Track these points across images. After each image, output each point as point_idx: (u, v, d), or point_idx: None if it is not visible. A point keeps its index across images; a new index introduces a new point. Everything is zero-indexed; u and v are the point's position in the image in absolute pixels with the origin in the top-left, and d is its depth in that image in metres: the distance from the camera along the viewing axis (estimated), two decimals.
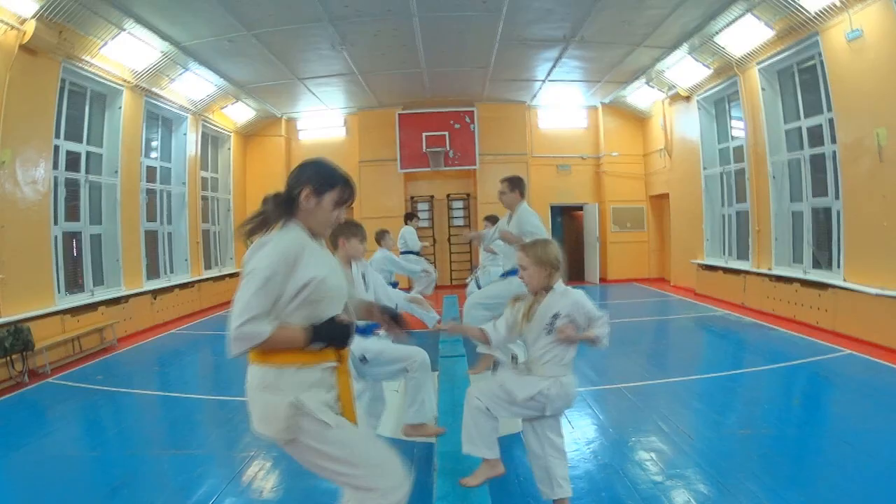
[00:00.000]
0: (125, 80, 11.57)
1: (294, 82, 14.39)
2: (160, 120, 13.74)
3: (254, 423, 2.61)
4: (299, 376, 2.58)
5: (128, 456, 5.68)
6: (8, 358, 8.43)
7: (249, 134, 17.72)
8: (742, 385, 7.20)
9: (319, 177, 2.73)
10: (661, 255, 17.32)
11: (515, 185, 6.59)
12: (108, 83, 11.27)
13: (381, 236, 9.90)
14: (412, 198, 17.81)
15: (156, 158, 13.78)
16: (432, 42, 12.20)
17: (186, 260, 14.55)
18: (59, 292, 10.10)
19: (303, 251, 2.59)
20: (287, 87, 14.82)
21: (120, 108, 11.65)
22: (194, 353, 10.93)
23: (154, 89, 12.57)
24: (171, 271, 14.22)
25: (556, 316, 3.60)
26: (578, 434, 5.58)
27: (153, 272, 13.42)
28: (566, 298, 3.66)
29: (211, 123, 15.48)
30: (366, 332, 4.56)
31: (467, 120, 16.74)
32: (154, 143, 13.76)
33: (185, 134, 14.34)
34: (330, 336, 2.62)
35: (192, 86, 13.34)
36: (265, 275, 2.47)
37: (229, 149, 16.90)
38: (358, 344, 4.40)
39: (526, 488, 4.40)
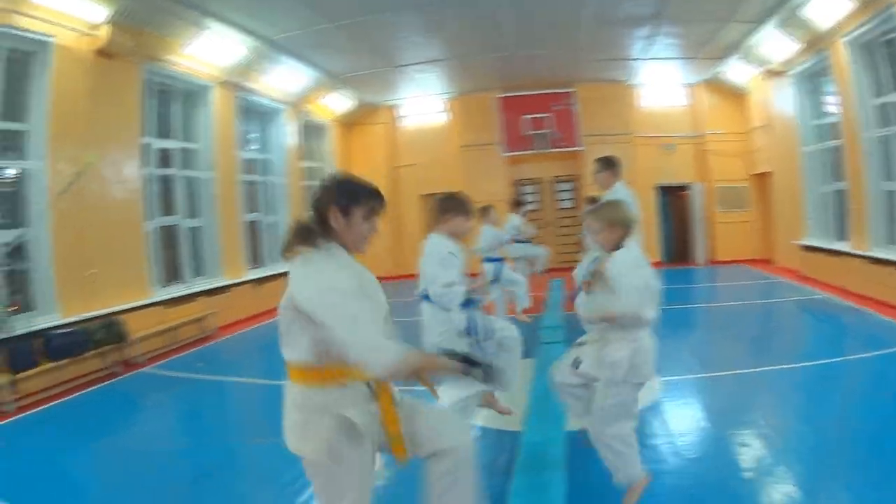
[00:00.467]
0: (214, 77, 11.81)
1: (389, 70, 14.30)
2: (256, 113, 14.01)
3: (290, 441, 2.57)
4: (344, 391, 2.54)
5: (217, 444, 5.77)
6: (101, 350, 8.69)
7: (351, 123, 17.83)
8: (839, 375, 6.67)
9: (342, 194, 2.62)
10: (765, 236, 16.15)
11: (607, 164, 6.29)
12: (196, 81, 11.57)
13: (484, 212, 9.56)
14: (518, 181, 17.35)
15: (254, 150, 14.11)
16: (522, 24, 11.85)
17: None
18: (155, 285, 10.46)
19: (351, 271, 2.57)
20: (383, 76, 14.77)
21: (211, 104, 11.86)
22: None
23: (246, 84, 12.78)
24: (275, 260, 14.43)
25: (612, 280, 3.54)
26: (672, 426, 5.26)
27: (255, 261, 13.71)
28: (615, 258, 3.60)
29: (310, 114, 15.66)
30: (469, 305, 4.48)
31: (568, 101, 16.21)
32: (252, 136, 14.10)
33: (283, 126, 14.52)
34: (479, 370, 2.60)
35: (285, 79, 13.50)
36: (340, 289, 2.42)
37: (330, 138, 17.08)
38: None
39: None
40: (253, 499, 4.51)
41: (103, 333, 8.76)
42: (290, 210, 14.70)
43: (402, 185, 17.70)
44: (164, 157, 11.23)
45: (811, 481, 4.01)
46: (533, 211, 16.77)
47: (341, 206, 2.58)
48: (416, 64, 13.93)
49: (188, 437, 6.33)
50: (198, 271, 11.95)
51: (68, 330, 8.34)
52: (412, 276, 14.40)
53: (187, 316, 10.60)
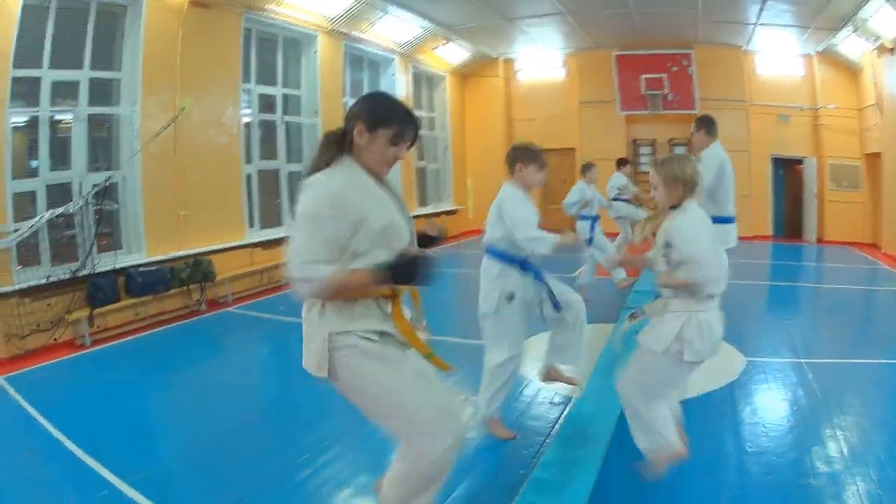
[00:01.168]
0: (319, 26, 11.67)
1: (502, 23, 13.69)
2: (365, 62, 13.85)
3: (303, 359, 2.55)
4: (346, 308, 2.43)
5: (279, 383, 5.99)
6: (186, 288, 8.97)
7: (467, 74, 17.37)
8: None
9: (373, 112, 2.48)
10: (874, 219, 14.42)
11: (703, 123, 5.95)
12: (300, 29, 11.52)
13: (584, 168, 9.11)
14: (634, 140, 16.41)
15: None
16: None
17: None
18: (250, 227, 10.65)
19: (350, 189, 2.39)
20: (497, 28, 14.16)
21: (316, 52, 11.83)
22: None
23: (353, 33, 12.61)
24: None
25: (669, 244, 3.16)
26: (757, 417, 4.72)
27: None
28: (673, 221, 3.20)
29: (423, 64, 15.35)
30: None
31: (684, 63, 15.09)
32: (362, 85, 13.91)
33: (393, 75, 14.37)
34: (398, 275, 2.37)
35: (394, 28, 13.22)
36: (310, 216, 2.33)
37: (445, 89, 16.64)
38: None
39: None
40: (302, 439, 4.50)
41: (188, 272, 8.99)
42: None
43: (518, 139, 16.97)
44: (268, 104, 11.34)
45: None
46: (645, 173, 15.65)
47: (369, 122, 2.45)
48: (529, 17, 13.28)
49: (257, 374, 6.55)
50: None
51: (152, 268, 8.62)
52: None
53: (280, 259, 10.62)
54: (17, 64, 7.24)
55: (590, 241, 8.69)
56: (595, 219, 8.89)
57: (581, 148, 15.87)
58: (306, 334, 2.51)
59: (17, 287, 7.00)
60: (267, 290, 10.28)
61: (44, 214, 7.53)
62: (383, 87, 14.40)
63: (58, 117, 8.10)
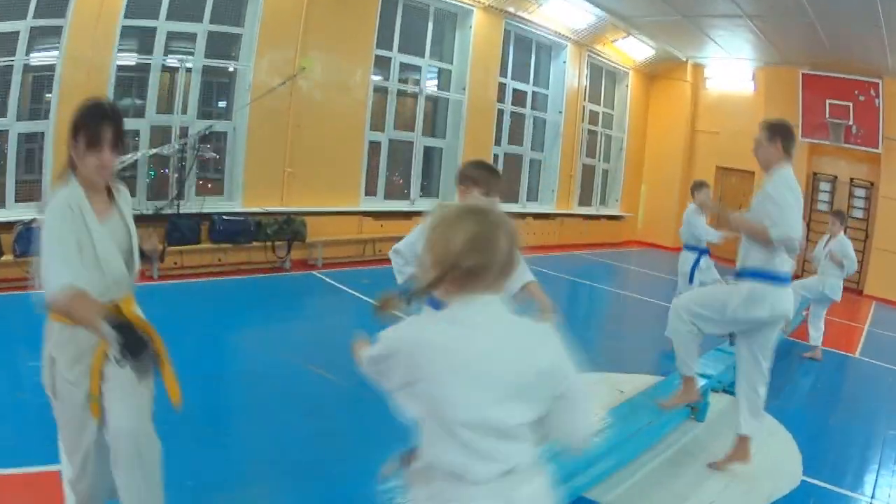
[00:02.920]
0: (478, 1, 10.56)
1: (680, 20, 11.83)
2: (531, 44, 12.66)
3: None
4: (61, 332, 2.19)
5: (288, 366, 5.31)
6: (271, 243, 8.63)
7: (653, 75, 15.46)
8: None
9: (73, 120, 2.17)
10: None
11: (777, 131, 3.84)
12: (456, 3, 10.68)
13: (694, 188, 6.99)
14: (814, 174, 13.55)
15: (526, 83, 12.80)
16: None
17: (553, 191, 13.52)
18: (366, 195, 10.13)
19: (65, 210, 2.13)
20: (677, 26, 12.31)
21: (471, 27, 10.89)
22: None
23: (519, 13, 11.60)
24: (534, 199, 13.35)
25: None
26: None
27: (508, 196, 12.50)
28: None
29: (601, 56, 13.82)
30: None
31: (872, 93, 12.12)
32: (528, 68, 12.82)
33: (564, 62, 13.04)
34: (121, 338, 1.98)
35: (565, 13, 11.96)
36: (47, 235, 2.09)
37: (627, 86, 14.94)
38: None
39: None
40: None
41: (275, 228, 8.68)
42: (561, 150, 13.16)
43: (699, 152, 15.01)
44: (410, 75, 10.78)
45: None
46: (823, 212, 12.78)
47: (71, 132, 2.17)
48: (707, 17, 11.39)
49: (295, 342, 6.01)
50: (432, 191, 11.44)
51: (238, 218, 8.43)
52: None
53: (391, 233, 9.88)
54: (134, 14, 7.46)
55: (690, 278, 6.69)
56: (702, 252, 6.72)
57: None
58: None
59: None
60: (367, 261, 9.67)
61: (137, 153, 7.67)
62: (553, 73, 13.26)
63: (173, 65, 8.13)
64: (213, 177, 8.97)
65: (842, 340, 8.11)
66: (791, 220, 3.54)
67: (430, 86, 11.02)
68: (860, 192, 13.22)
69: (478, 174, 3.09)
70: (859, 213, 13.09)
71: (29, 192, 7.10)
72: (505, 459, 1.37)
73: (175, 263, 7.68)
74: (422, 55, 10.69)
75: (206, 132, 8.18)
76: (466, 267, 1.40)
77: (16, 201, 6.97)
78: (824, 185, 13.47)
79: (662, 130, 15.36)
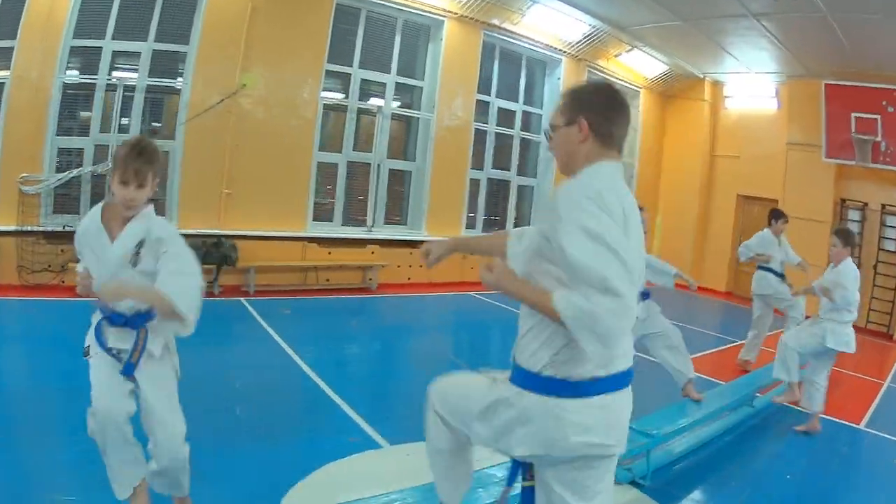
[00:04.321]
0: (448, 11, 10.07)
1: (684, 27, 10.78)
2: (523, 60, 11.92)
3: None
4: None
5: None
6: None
7: (668, 94, 14.32)
8: None
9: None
10: None
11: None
12: (426, 14, 10.13)
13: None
14: (842, 201, 12.04)
15: (514, 102, 12.07)
16: None
17: None
18: (315, 220, 9.61)
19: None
20: (681, 34, 11.24)
21: (441, 39, 10.20)
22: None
23: (502, 24, 10.84)
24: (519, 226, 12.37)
25: None
26: None
27: (489, 224, 11.82)
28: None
29: (605, 72, 12.77)
30: None
31: None
32: (517, 85, 12.09)
33: (559, 79, 12.15)
34: None
35: (552, 22, 11.07)
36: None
37: (638, 107, 13.85)
38: None
39: None
40: None
41: (202, 252, 8.23)
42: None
43: (719, 178, 13.83)
44: (373, 92, 10.24)
45: None
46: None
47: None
48: (710, 18, 10.14)
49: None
50: (397, 219, 10.82)
51: None
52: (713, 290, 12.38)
53: (338, 260, 9.45)
54: (79, 34, 7.75)
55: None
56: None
57: (783, 201, 11.76)
58: None
59: (38, 228, 7.53)
60: (310, 290, 9.17)
61: (71, 171, 7.81)
62: (547, 90, 12.39)
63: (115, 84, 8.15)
64: (159, 198, 8.83)
65: (848, 403, 6.50)
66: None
67: (395, 104, 10.44)
68: (893, 221, 11.65)
69: None
70: (891, 245, 11.55)
71: None
72: None
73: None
74: (387, 71, 10.14)
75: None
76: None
77: None
78: (853, 214, 12.02)
79: (679, 156, 14.13)
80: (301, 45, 8.97)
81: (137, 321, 2.63)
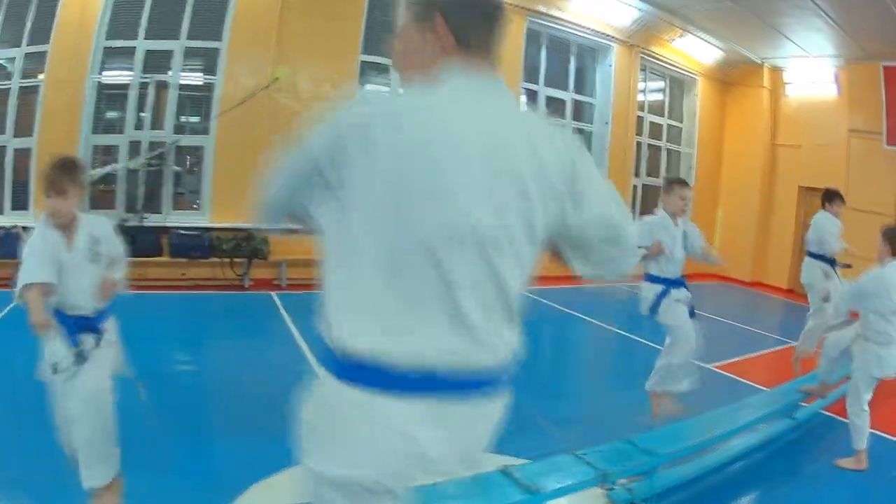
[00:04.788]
0: None
1: (736, 9, 10.35)
2: (572, 47, 11.72)
3: None
4: None
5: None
6: (230, 260, 8.51)
7: (727, 81, 13.79)
8: None
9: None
10: None
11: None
12: None
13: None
14: None
15: (564, 90, 11.90)
16: None
17: None
18: None
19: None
20: (733, 17, 10.77)
21: None
22: None
23: (549, 11, 10.75)
24: None
25: None
26: None
27: None
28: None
29: (660, 59, 12.47)
30: None
31: None
32: (566, 74, 11.91)
33: (610, 66, 11.89)
34: None
35: (601, 7, 10.93)
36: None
37: (696, 94, 13.43)
38: None
39: None
40: None
41: (232, 245, 8.44)
42: (608, 167, 11.97)
43: (780, 169, 13.23)
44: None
45: None
46: None
47: None
48: None
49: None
50: None
51: (194, 233, 8.37)
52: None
53: None
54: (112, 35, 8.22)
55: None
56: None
57: (846, 192, 10.77)
58: None
59: None
60: None
61: (104, 168, 8.19)
62: (600, 79, 12.13)
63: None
64: (188, 190, 9.23)
65: None
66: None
67: None
68: None
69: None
70: None
71: None
72: None
73: (139, 275, 7.82)
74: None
75: (173, 147, 8.51)
76: None
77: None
78: None
79: (739, 145, 13.61)
80: (335, 36, 9.07)
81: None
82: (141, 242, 7.76)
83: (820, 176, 11.61)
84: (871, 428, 4.26)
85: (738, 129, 13.76)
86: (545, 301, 8.59)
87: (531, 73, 11.12)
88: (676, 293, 4.69)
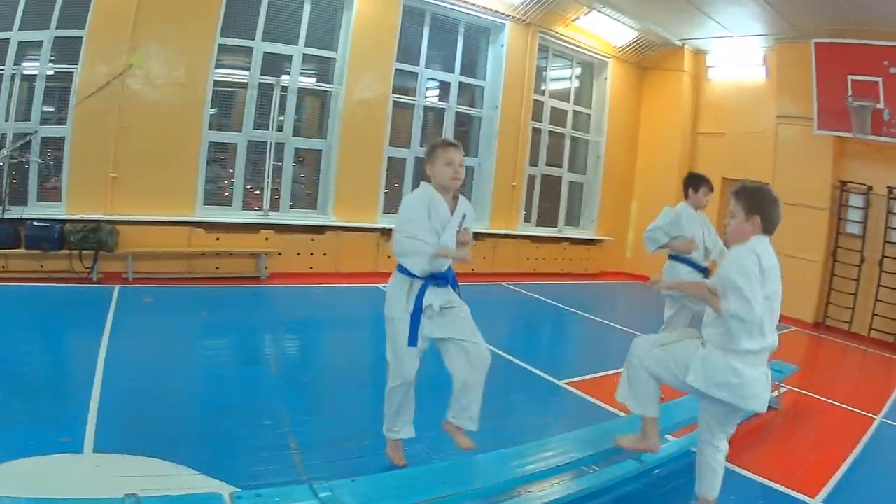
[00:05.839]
0: None
1: None
2: (461, 26, 13.22)
3: None
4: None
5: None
6: (79, 252, 9.87)
7: (643, 66, 15.68)
8: None
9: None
10: None
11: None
12: None
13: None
14: (842, 182, 13.06)
15: (450, 73, 13.36)
16: None
17: (486, 203, 13.88)
18: (202, 205, 11.16)
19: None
20: None
21: (352, 4, 11.74)
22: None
23: None
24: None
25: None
26: None
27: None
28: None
29: (563, 39, 14.09)
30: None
31: None
32: (453, 55, 13.30)
33: (502, 46, 13.50)
34: None
35: None
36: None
37: (606, 78, 15.13)
38: None
39: None
40: None
41: (80, 237, 9.91)
42: (497, 155, 13.55)
43: (702, 159, 15.10)
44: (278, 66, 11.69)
45: None
46: (854, 235, 12.44)
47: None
48: None
49: None
50: (304, 203, 12.35)
51: (45, 224, 9.77)
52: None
53: (228, 247, 10.66)
54: None
55: None
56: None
57: (774, 184, 11.81)
58: None
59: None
60: (195, 278, 10.61)
61: None
62: (491, 60, 13.76)
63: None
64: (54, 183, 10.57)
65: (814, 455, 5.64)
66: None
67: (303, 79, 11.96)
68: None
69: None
70: None
71: None
72: None
73: (2, 266, 9.36)
74: (294, 42, 11.55)
75: (29, 138, 9.73)
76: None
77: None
78: (855, 199, 12.80)
79: (656, 134, 15.69)
80: (192, 19, 10.36)
81: None
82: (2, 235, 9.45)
83: (745, 167, 13.08)
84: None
85: (654, 116, 15.77)
86: None
87: (409, 55, 12.62)
88: None
